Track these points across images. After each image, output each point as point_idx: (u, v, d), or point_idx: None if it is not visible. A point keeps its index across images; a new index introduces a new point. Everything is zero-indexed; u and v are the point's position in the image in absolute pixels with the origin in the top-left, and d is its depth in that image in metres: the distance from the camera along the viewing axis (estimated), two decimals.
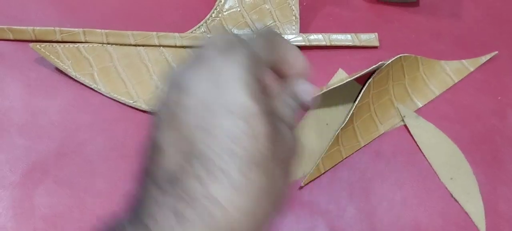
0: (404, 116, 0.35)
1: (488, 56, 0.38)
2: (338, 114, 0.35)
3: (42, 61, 0.37)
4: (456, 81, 0.37)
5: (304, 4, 0.40)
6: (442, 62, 0.38)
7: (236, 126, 0.21)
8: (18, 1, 0.40)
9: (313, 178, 0.33)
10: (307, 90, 0.27)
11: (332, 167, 0.34)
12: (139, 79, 0.37)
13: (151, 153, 0.23)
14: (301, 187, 0.33)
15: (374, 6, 0.40)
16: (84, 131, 0.35)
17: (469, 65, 0.38)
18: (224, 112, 0.21)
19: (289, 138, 0.24)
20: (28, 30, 0.37)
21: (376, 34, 0.38)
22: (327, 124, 0.35)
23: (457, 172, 0.33)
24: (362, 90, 0.34)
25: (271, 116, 0.23)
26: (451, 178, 0.33)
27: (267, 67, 0.25)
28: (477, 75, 0.38)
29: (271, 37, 0.25)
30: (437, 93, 0.37)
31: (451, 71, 0.38)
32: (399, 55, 0.35)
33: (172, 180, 0.21)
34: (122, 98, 0.36)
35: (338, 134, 0.33)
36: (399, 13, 0.40)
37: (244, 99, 0.21)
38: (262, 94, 0.23)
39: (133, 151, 0.34)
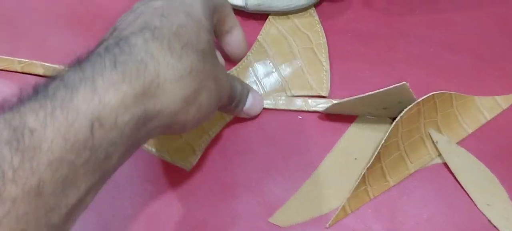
0: (437, 142, 0.34)
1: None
2: (368, 148, 0.34)
3: None
4: (488, 118, 0.36)
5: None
6: (476, 98, 0.36)
7: (188, 22, 0.25)
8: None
9: (338, 219, 0.32)
10: (258, 99, 0.35)
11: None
12: None
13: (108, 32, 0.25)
14: (327, 228, 0.32)
15: (391, 21, 0.40)
16: None
17: (502, 102, 0.37)
18: (182, 12, 0.25)
19: (223, 75, 0.29)
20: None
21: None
22: (355, 159, 0.34)
23: (493, 198, 0.32)
24: (390, 128, 0.32)
25: (211, 34, 0.27)
26: (488, 204, 0.32)
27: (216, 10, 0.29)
28: (496, 87, 0.38)
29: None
30: (470, 131, 0.35)
31: (484, 109, 0.36)
32: (432, 93, 0.33)
33: (119, 42, 0.23)
34: (144, 145, 0.35)
35: (364, 173, 0.32)
36: (416, 28, 0.40)
37: (200, 13, 0.26)
38: (212, 24, 0.28)
39: (159, 174, 0.35)
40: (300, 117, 0.37)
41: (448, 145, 0.34)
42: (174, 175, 0.34)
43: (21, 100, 0.21)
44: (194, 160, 0.34)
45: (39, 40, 0.40)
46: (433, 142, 0.34)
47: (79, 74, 0.21)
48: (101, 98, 0.21)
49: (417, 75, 0.38)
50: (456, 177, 0.33)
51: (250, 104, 0.34)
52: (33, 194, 0.19)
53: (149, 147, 0.35)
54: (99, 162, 0.21)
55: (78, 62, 0.22)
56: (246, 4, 0.39)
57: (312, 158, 0.35)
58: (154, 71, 0.23)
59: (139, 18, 0.25)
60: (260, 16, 0.40)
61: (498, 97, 0.37)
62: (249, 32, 0.35)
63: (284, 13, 0.40)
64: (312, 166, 0.34)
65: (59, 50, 0.39)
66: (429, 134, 0.34)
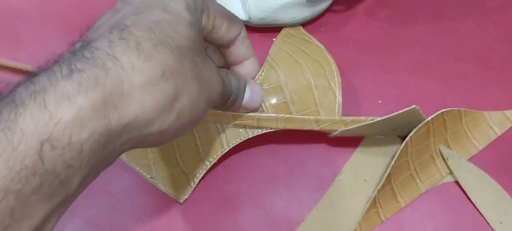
0: (447, 158, 0.33)
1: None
2: (377, 170, 0.33)
3: None
4: (499, 134, 0.35)
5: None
6: (485, 113, 0.35)
7: (164, 17, 0.22)
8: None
9: None
10: (256, 91, 0.30)
11: None
12: (162, 154, 0.33)
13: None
14: None
15: (394, 30, 0.40)
16: (110, 169, 0.35)
17: (511, 116, 0.36)
18: (159, 7, 0.22)
19: (212, 70, 0.25)
20: None
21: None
22: (365, 180, 0.33)
23: (505, 216, 0.31)
24: (400, 149, 0.31)
25: (201, 42, 0.24)
26: (501, 222, 0.31)
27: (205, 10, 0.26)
28: (501, 95, 0.37)
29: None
30: (480, 147, 0.34)
31: (494, 124, 0.35)
32: (441, 111, 0.32)
33: (84, 45, 0.20)
34: (139, 170, 0.34)
35: (375, 196, 0.31)
36: (419, 37, 0.40)
37: (182, 7, 0.23)
38: (198, 19, 0.24)
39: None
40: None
41: (459, 161, 0.33)
42: None
43: None
44: (188, 193, 0.33)
45: (39, 50, 0.40)
46: (443, 159, 0.34)
47: (31, 87, 0.18)
48: (52, 115, 0.18)
49: (421, 84, 0.38)
50: (468, 194, 0.32)
51: (248, 99, 0.30)
52: None
53: (144, 173, 0.34)
54: (54, 187, 0.18)
55: (36, 73, 0.19)
56: (249, 18, 0.38)
57: (317, 171, 0.34)
58: (117, 77, 0.20)
59: (113, 17, 0.22)
60: (265, 29, 0.40)
61: (507, 112, 0.36)
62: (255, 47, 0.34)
63: (288, 26, 0.39)
64: (317, 179, 0.34)
65: None
66: (440, 152, 0.34)
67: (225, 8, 0.28)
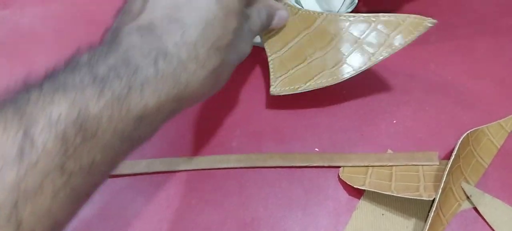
0: (471, 195, 0.32)
1: None
2: (395, 203, 0.32)
3: None
4: (498, 146, 0.34)
5: None
6: (485, 128, 0.35)
7: (215, 15, 0.27)
8: None
9: None
10: (282, 17, 0.35)
11: None
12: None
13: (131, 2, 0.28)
14: None
15: (408, 49, 0.40)
16: (125, 192, 0.35)
17: (505, 125, 0.35)
18: (212, 2, 0.27)
19: (245, 40, 0.31)
20: None
21: (437, 153, 0.34)
22: (383, 214, 0.32)
23: None
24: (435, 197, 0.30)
25: (243, 15, 0.29)
26: None
27: None
28: None
29: None
30: (486, 165, 0.34)
31: (492, 137, 0.35)
32: (457, 149, 0.32)
33: (154, 32, 0.25)
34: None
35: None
36: (434, 56, 0.40)
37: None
38: None
39: (174, 211, 0.34)
40: (317, 149, 0.36)
41: (482, 197, 0.32)
42: (191, 212, 0.34)
43: (76, 73, 0.23)
44: None
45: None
46: (462, 189, 0.33)
47: (130, 69, 0.24)
48: (146, 102, 0.24)
49: (437, 104, 0.37)
50: (494, 229, 0.32)
51: (275, 24, 0.35)
52: (86, 170, 0.22)
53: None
54: (132, 149, 0.25)
55: (118, 43, 0.25)
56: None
57: (334, 194, 0.34)
58: (185, 81, 0.26)
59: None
60: None
61: (502, 121, 0.36)
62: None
63: None
64: (334, 202, 0.33)
65: None
66: (462, 188, 0.33)
67: None
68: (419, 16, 0.33)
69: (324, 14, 0.36)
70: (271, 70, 0.37)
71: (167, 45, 0.25)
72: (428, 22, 0.32)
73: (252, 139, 0.36)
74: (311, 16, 0.36)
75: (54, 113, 0.21)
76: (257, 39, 0.38)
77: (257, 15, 0.33)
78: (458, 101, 0.38)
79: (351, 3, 0.38)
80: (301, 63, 0.36)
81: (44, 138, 0.20)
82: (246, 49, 0.31)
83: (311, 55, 0.36)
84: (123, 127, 0.23)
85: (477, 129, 0.34)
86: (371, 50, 0.34)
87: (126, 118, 0.23)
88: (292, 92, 0.36)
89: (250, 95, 0.38)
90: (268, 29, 0.36)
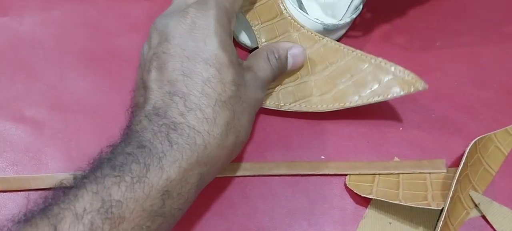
0: (479, 203, 0.32)
1: None
2: (403, 212, 0.32)
3: None
4: (506, 153, 0.34)
5: None
6: (492, 134, 0.34)
7: (209, 73, 0.28)
8: None
9: None
10: (297, 55, 0.34)
11: None
12: None
13: (139, 90, 0.29)
14: None
15: (413, 56, 0.39)
16: None
17: None
18: (201, 61, 0.28)
19: (253, 89, 0.31)
20: None
21: (444, 160, 0.34)
22: (390, 223, 0.32)
23: None
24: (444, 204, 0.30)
25: (238, 65, 0.29)
26: None
27: (234, 14, 0.31)
28: None
29: None
30: (493, 173, 0.33)
31: (500, 144, 0.34)
32: (464, 158, 0.32)
33: (159, 113, 0.27)
34: None
35: None
36: (438, 62, 0.39)
37: (216, 50, 0.28)
38: (231, 43, 0.29)
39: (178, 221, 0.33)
40: (323, 157, 0.35)
41: (490, 205, 0.32)
42: (195, 222, 0.33)
43: (96, 169, 0.24)
44: None
45: (54, 80, 0.39)
46: (471, 198, 0.33)
47: (146, 151, 0.25)
48: (168, 175, 0.25)
49: (443, 112, 0.37)
50: None
51: (292, 65, 0.34)
52: None
53: None
54: (169, 225, 0.26)
55: (132, 135, 0.26)
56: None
57: (339, 203, 0.33)
58: (202, 143, 0.26)
59: (163, 77, 0.28)
60: None
61: (509, 128, 0.35)
62: None
63: None
64: (339, 211, 0.33)
65: (75, 92, 0.39)
66: (470, 196, 0.33)
67: None
68: (413, 75, 0.33)
69: (325, 40, 0.35)
70: None
71: (174, 118, 0.26)
72: (420, 85, 0.33)
73: (257, 146, 0.36)
74: (312, 38, 0.35)
75: (78, 208, 0.22)
76: (247, 41, 0.38)
77: (265, 62, 0.32)
78: (464, 108, 0.37)
79: (356, 9, 0.38)
80: (292, 81, 0.36)
81: None
82: (257, 96, 0.31)
83: (303, 76, 0.36)
84: (150, 204, 0.24)
85: (485, 136, 0.34)
86: (362, 92, 0.34)
87: (151, 195, 0.24)
88: (275, 108, 0.36)
89: None
90: (289, 71, 0.35)
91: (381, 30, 0.40)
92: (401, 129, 0.36)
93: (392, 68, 0.34)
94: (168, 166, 0.25)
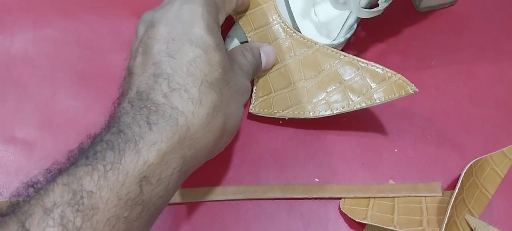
0: (475, 228, 0.32)
1: None
2: None
3: None
4: (502, 176, 0.34)
5: None
6: (488, 156, 0.34)
7: (195, 53, 0.26)
8: None
9: None
10: (268, 52, 0.35)
11: None
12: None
13: (125, 79, 0.28)
14: None
15: (408, 75, 0.39)
16: None
17: (510, 153, 0.34)
18: (186, 42, 0.27)
19: (240, 76, 0.30)
20: None
21: (440, 183, 0.34)
22: None
23: None
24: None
25: (225, 51, 0.29)
26: None
27: (223, 9, 0.31)
28: None
29: None
30: (489, 196, 0.33)
31: (496, 166, 0.34)
32: (460, 180, 0.31)
33: (142, 97, 0.25)
34: None
35: None
36: (435, 81, 0.39)
37: (203, 32, 0.27)
38: (218, 31, 0.29)
39: None
40: (317, 179, 0.35)
41: (487, 230, 0.32)
42: None
43: (72, 162, 0.24)
44: None
45: (46, 98, 0.39)
46: (467, 223, 0.32)
47: (121, 136, 0.24)
48: (145, 159, 0.23)
49: (439, 132, 0.37)
50: None
51: (265, 63, 0.35)
52: None
53: None
54: (150, 215, 0.24)
55: (113, 122, 0.25)
56: None
57: (334, 227, 0.33)
58: (185, 124, 0.25)
59: (148, 60, 0.27)
60: None
61: (505, 149, 0.35)
62: None
63: None
64: None
65: (66, 111, 0.38)
66: (466, 220, 0.32)
67: None
68: (404, 79, 0.33)
69: (318, 45, 0.35)
70: (254, 88, 0.36)
71: (156, 99, 0.25)
72: (410, 88, 0.33)
73: (251, 167, 0.35)
74: (304, 43, 0.36)
75: (48, 202, 0.21)
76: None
77: (242, 57, 0.32)
78: (460, 128, 0.37)
79: (350, 29, 0.37)
80: (285, 87, 0.36)
81: (42, 228, 0.21)
82: (244, 83, 0.31)
83: (297, 82, 0.35)
84: (127, 192, 0.23)
85: (481, 159, 0.33)
86: (351, 96, 0.34)
87: (127, 182, 0.23)
88: (269, 116, 0.36)
89: (248, 122, 0.37)
90: (263, 69, 0.35)
91: (376, 49, 0.40)
92: (396, 150, 0.36)
93: (384, 72, 0.34)
94: (145, 150, 0.23)
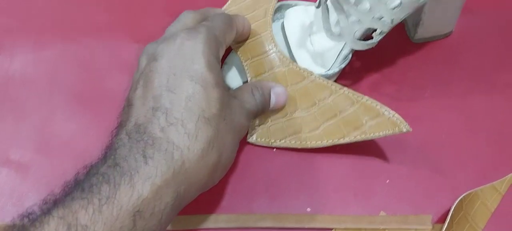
0: None
1: None
2: None
3: None
4: (492, 210, 0.34)
5: None
6: (478, 190, 0.34)
7: (194, 89, 0.27)
8: None
9: None
10: (279, 93, 0.35)
11: None
12: None
13: (124, 109, 0.29)
14: None
15: (401, 106, 0.39)
16: None
17: (499, 186, 0.34)
18: (187, 78, 0.27)
19: (238, 113, 0.31)
20: None
21: (430, 216, 0.34)
22: None
23: None
24: None
25: (223, 88, 0.29)
26: None
27: (223, 44, 0.32)
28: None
29: (226, 17, 0.33)
30: (479, 230, 0.33)
31: (486, 200, 0.34)
32: (449, 215, 0.32)
33: (139, 129, 0.26)
34: None
35: None
36: (428, 112, 0.39)
37: (203, 69, 0.28)
38: (218, 66, 0.30)
39: None
40: (309, 209, 0.35)
41: None
42: None
43: (68, 193, 0.24)
44: None
45: (44, 118, 0.39)
46: None
47: (117, 170, 0.24)
48: (139, 194, 0.24)
49: (431, 164, 0.37)
50: None
51: (274, 103, 0.35)
52: None
53: None
54: None
55: (110, 154, 0.25)
56: None
57: None
58: (180, 158, 0.25)
59: (148, 93, 0.27)
60: None
61: (496, 183, 0.35)
62: None
63: None
64: None
65: (63, 134, 0.38)
66: None
67: (227, 19, 0.33)
68: (398, 116, 0.34)
69: (313, 76, 0.36)
70: None
71: (153, 133, 0.26)
72: (404, 127, 0.34)
73: (243, 195, 0.35)
74: (300, 74, 0.36)
75: None
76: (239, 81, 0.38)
77: (249, 95, 0.33)
78: (453, 160, 0.37)
79: (345, 59, 0.38)
80: (281, 117, 0.36)
81: None
82: (242, 121, 0.31)
83: (292, 112, 0.36)
84: (120, 226, 0.23)
85: (471, 192, 0.34)
86: (345, 130, 0.35)
87: (121, 216, 0.23)
88: (266, 145, 0.36)
89: (240, 151, 0.37)
90: (271, 109, 0.35)
91: (370, 79, 0.40)
92: (388, 181, 0.36)
93: (379, 108, 0.34)
94: (140, 184, 0.24)
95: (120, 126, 0.28)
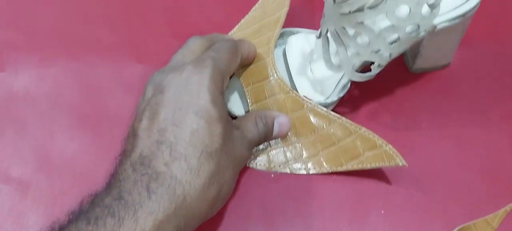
0: None
1: (508, 208, 0.36)
2: None
3: None
4: None
5: None
6: (472, 224, 0.35)
7: (199, 124, 0.28)
8: None
9: None
10: (282, 123, 0.35)
11: None
12: None
13: (129, 139, 0.29)
14: None
15: (398, 135, 0.40)
16: None
17: (492, 221, 0.35)
18: (191, 112, 0.28)
19: (239, 145, 0.31)
20: None
21: None
22: None
23: None
24: None
25: (227, 122, 0.30)
26: None
27: (228, 75, 0.33)
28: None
29: (231, 46, 0.34)
30: None
31: None
32: None
33: (144, 162, 0.27)
34: None
35: None
36: (424, 143, 0.40)
37: (208, 104, 0.29)
38: (222, 100, 0.31)
39: None
40: None
41: None
42: None
43: (72, 221, 0.25)
44: None
45: (44, 137, 0.40)
46: None
47: (122, 203, 0.25)
48: (142, 228, 0.25)
49: (426, 195, 0.37)
50: None
51: (277, 132, 0.36)
52: None
53: None
54: None
55: (115, 185, 0.26)
56: None
57: None
58: (182, 194, 0.26)
59: (154, 126, 0.28)
60: None
61: (488, 217, 0.35)
62: None
63: None
64: None
65: (64, 153, 0.39)
66: None
67: (232, 48, 0.34)
68: (394, 150, 0.35)
69: (312, 104, 0.37)
70: None
71: (157, 167, 0.26)
72: (399, 160, 0.35)
73: (240, 222, 0.36)
74: (299, 102, 0.37)
75: None
76: (241, 110, 0.39)
77: (252, 125, 0.33)
78: (447, 192, 0.37)
79: (343, 88, 0.38)
80: (282, 143, 0.37)
81: None
82: (243, 153, 0.32)
83: (291, 137, 0.37)
84: None
85: (464, 226, 0.34)
86: (343, 158, 0.36)
87: None
88: (266, 170, 0.37)
89: (240, 173, 0.38)
90: (274, 138, 0.36)
91: (368, 108, 0.41)
92: (383, 211, 0.36)
93: (375, 139, 0.35)
94: (143, 219, 0.25)
95: (125, 155, 0.29)
